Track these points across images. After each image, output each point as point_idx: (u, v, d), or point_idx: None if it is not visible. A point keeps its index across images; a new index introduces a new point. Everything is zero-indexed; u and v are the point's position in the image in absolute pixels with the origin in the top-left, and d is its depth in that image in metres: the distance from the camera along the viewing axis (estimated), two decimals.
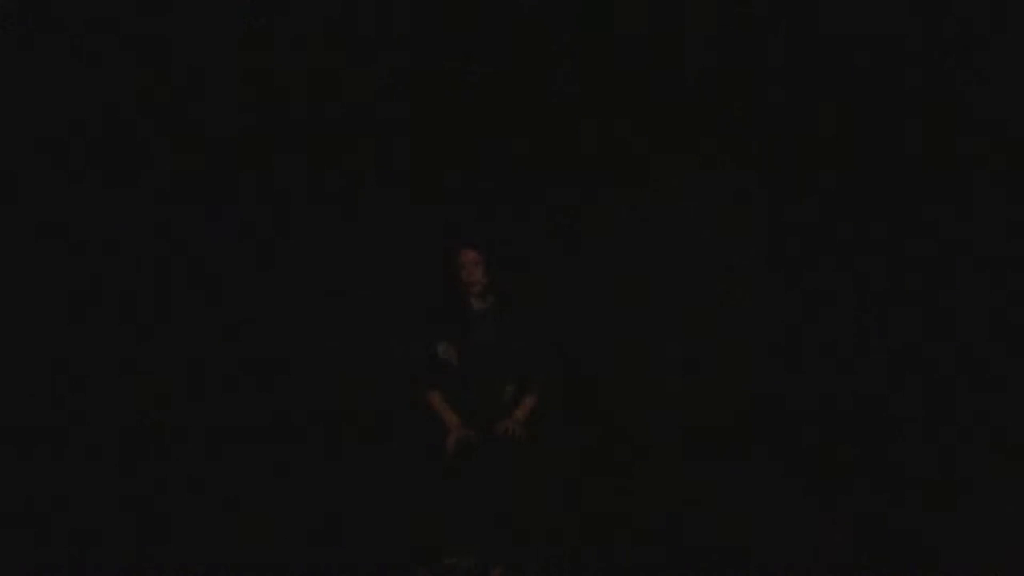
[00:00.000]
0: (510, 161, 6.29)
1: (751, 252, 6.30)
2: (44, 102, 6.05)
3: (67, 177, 6.06)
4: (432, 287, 5.63)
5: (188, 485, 5.93)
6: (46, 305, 6.00)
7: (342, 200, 6.28)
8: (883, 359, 6.08)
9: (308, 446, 6.10)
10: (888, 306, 6.10)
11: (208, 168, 6.19)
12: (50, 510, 5.78)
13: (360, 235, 6.27)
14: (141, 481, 5.93)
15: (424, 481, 5.19)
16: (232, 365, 6.14)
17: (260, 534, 5.72)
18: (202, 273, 6.16)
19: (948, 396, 5.95)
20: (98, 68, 6.08)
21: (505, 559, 5.09)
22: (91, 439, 5.96)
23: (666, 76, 6.26)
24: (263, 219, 6.23)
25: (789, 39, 6.18)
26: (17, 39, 6.02)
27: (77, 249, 6.05)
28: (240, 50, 6.19)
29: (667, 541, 5.57)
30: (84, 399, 5.99)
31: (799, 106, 6.19)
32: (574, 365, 6.13)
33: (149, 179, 6.15)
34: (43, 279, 6.01)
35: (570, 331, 6.15)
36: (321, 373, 6.19)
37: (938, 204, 6.06)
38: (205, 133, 6.18)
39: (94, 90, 6.08)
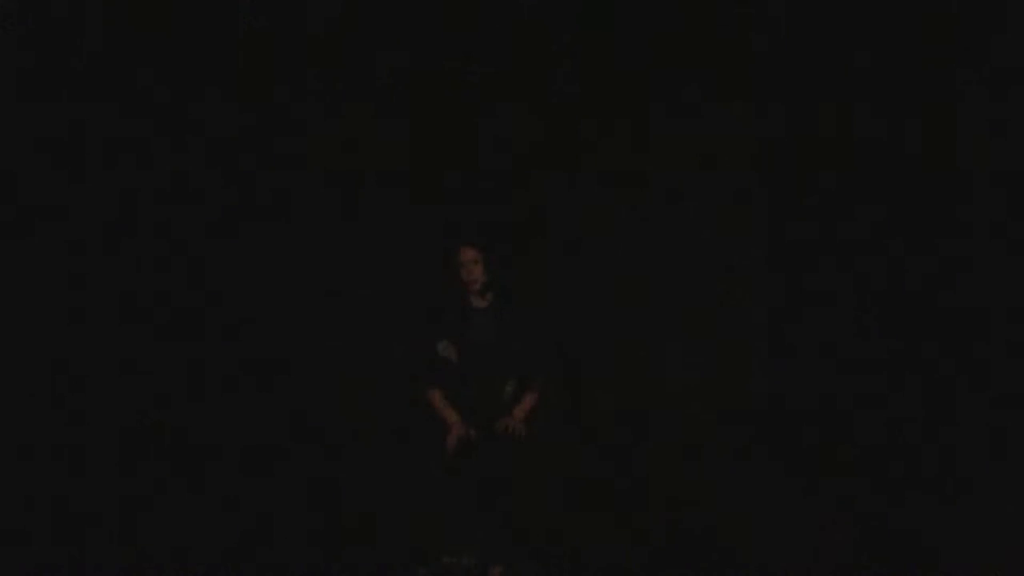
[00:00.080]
0: (510, 161, 6.29)
1: (751, 252, 6.30)
2: (44, 102, 6.05)
3: (67, 177, 6.06)
4: (432, 286, 5.63)
5: (188, 485, 5.93)
6: (46, 305, 6.00)
7: (342, 200, 6.28)
8: (883, 359, 6.07)
9: (308, 446, 6.10)
10: (888, 306, 6.10)
11: (208, 168, 6.19)
12: (50, 510, 5.78)
13: (360, 235, 6.27)
14: (141, 481, 5.92)
15: (424, 480, 5.19)
16: (232, 365, 6.14)
17: (260, 534, 5.72)
18: (202, 273, 6.16)
19: (948, 396, 5.95)
20: (98, 68, 6.08)
21: (505, 558, 5.09)
22: (91, 439, 5.96)
23: (666, 76, 6.26)
24: (263, 219, 6.23)
25: (789, 39, 6.18)
26: (17, 39, 6.02)
27: (77, 249, 6.05)
28: (240, 49, 6.19)
29: (667, 541, 5.57)
30: (84, 399, 5.99)
31: (799, 106, 6.19)
32: (574, 365, 6.13)
33: (149, 179, 6.15)
34: (43, 279, 6.00)
35: (570, 331, 6.15)
36: (321, 373, 6.19)
37: (938, 204, 6.05)
38: (205, 133, 6.18)
39: (94, 90, 6.08)
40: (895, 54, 6.09)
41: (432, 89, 6.28)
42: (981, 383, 5.92)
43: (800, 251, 6.21)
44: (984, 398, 5.91)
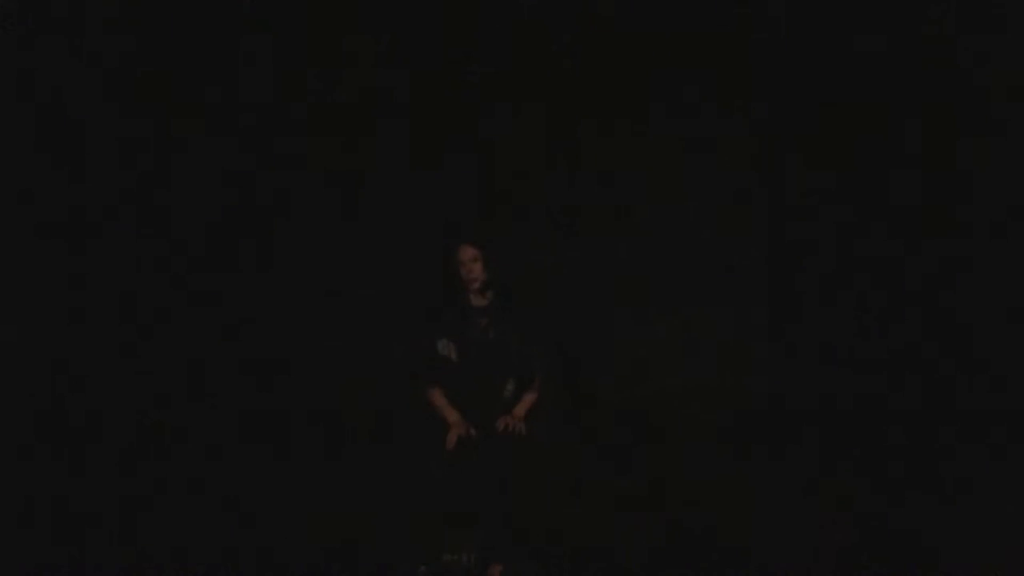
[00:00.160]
0: (510, 160, 6.29)
1: (751, 252, 6.30)
2: (44, 102, 6.05)
3: (67, 177, 6.06)
4: (432, 284, 5.63)
5: (188, 485, 5.92)
6: (46, 305, 6.00)
7: (342, 199, 6.29)
8: (883, 359, 6.07)
9: (308, 446, 6.10)
10: (888, 306, 6.10)
11: (208, 168, 6.18)
12: (50, 510, 5.78)
13: (360, 235, 6.27)
14: (141, 481, 5.92)
15: (424, 478, 5.19)
16: (232, 365, 6.14)
17: (260, 534, 5.71)
18: (202, 273, 6.15)
19: (948, 396, 5.95)
20: (98, 68, 6.08)
21: (505, 556, 5.09)
22: (91, 439, 5.95)
23: (666, 76, 6.26)
24: (263, 218, 6.23)
25: (789, 38, 6.18)
26: (17, 39, 6.02)
27: (77, 249, 6.05)
28: (239, 50, 6.19)
29: (667, 541, 5.57)
30: (84, 399, 5.99)
31: (799, 106, 6.19)
32: (574, 365, 6.13)
33: (149, 179, 6.15)
34: (43, 279, 6.00)
35: (570, 331, 6.15)
36: (321, 373, 6.19)
37: (938, 204, 6.05)
38: (205, 133, 6.18)
39: (94, 90, 6.08)
40: (895, 54, 6.09)
41: (432, 89, 6.28)
42: (981, 383, 5.92)
43: (800, 251, 6.21)
44: (984, 398, 5.91)
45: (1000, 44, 5.97)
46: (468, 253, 5.30)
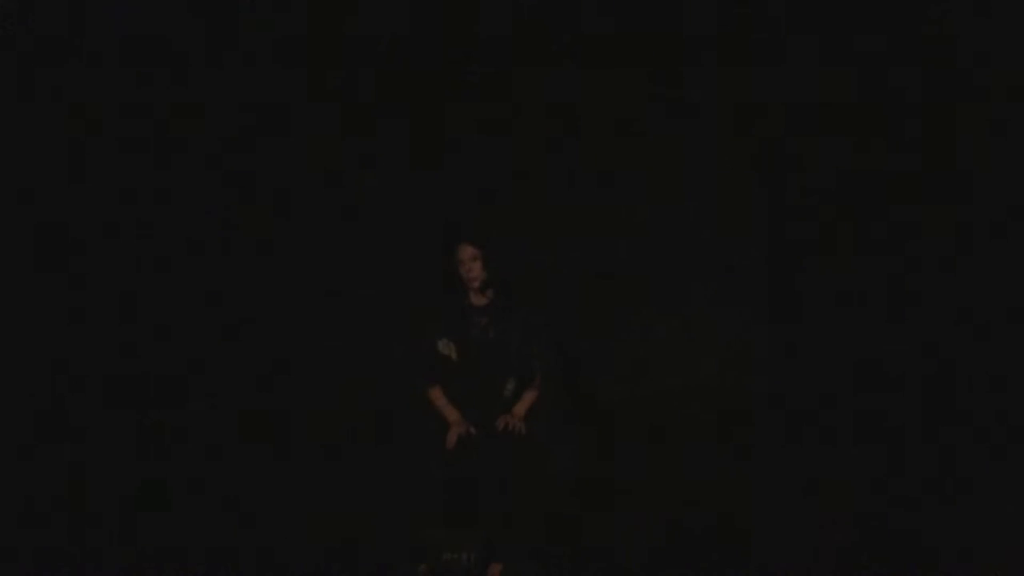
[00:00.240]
0: (510, 160, 6.30)
1: (751, 252, 6.30)
2: (44, 102, 6.05)
3: (67, 177, 6.06)
4: (432, 284, 5.63)
5: (188, 485, 5.92)
6: (46, 305, 6.00)
7: (342, 199, 6.29)
8: (883, 359, 6.07)
9: (308, 446, 6.10)
10: (889, 306, 6.10)
11: (208, 168, 6.19)
12: (50, 510, 5.78)
13: (360, 235, 6.27)
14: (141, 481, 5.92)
15: (424, 478, 5.18)
16: (232, 365, 6.14)
17: (260, 534, 5.71)
18: (202, 273, 6.16)
19: (948, 395, 5.95)
20: (97, 67, 6.08)
21: (505, 556, 5.08)
22: (91, 438, 5.95)
23: (666, 76, 6.26)
24: (263, 219, 6.23)
25: (789, 38, 6.18)
26: (17, 39, 6.03)
27: (77, 249, 6.05)
28: (239, 50, 6.20)
29: (667, 540, 5.56)
30: (84, 399, 5.99)
31: (799, 106, 6.19)
32: (574, 364, 6.13)
33: (149, 179, 6.15)
34: (43, 279, 6.00)
35: (570, 331, 6.15)
36: (321, 373, 6.19)
37: (938, 204, 6.05)
38: (205, 133, 6.18)
39: (93, 90, 6.08)
40: (895, 54, 6.09)
41: (432, 89, 6.28)
42: (981, 383, 5.92)
43: (800, 251, 6.22)
44: (984, 398, 5.91)
45: (1000, 44, 5.97)
46: (468, 252, 5.30)
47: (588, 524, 5.65)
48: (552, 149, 6.32)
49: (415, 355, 5.41)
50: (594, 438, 6.06)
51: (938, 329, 6.03)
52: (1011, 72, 5.96)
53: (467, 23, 6.24)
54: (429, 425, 5.29)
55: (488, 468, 5.09)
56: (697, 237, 6.31)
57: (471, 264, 5.29)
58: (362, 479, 5.93)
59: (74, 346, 6.01)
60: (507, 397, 5.31)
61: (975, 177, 6.03)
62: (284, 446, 6.09)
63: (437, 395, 5.33)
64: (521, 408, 5.28)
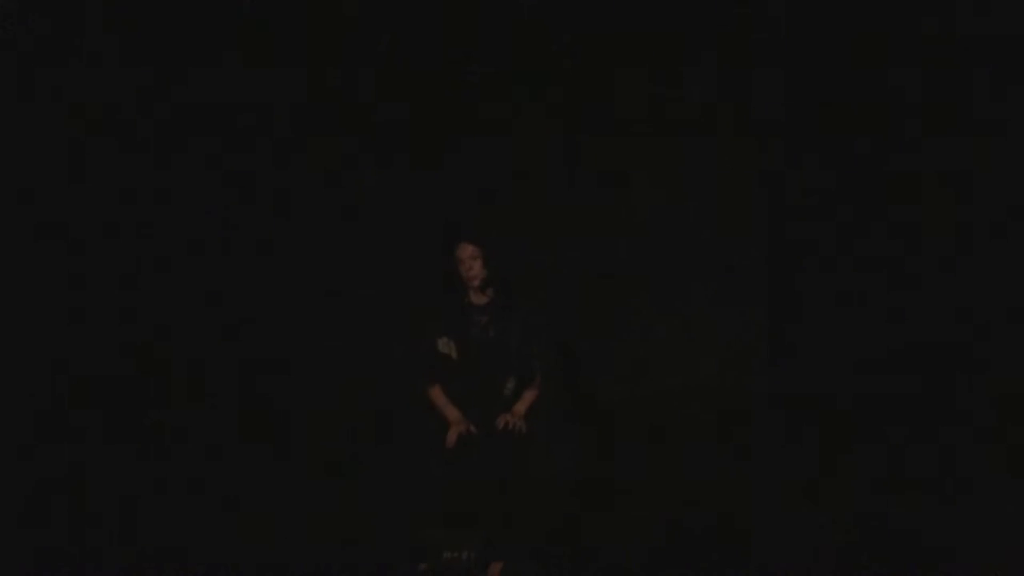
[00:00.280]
0: (510, 160, 6.30)
1: (751, 252, 6.30)
2: (44, 102, 6.05)
3: (67, 177, 6.06)
4: (432, 282, 5.63)
5: (188, 485, 5.92)
6: (46, 305, 6.00)
7: (342, 199, 6.29)
8: (883, 359, 6.07)
9: (308, 446, 6.09)
10: (888, 306, 6.10)
11: (207, 168, 6.19)
12: (50, 510, 5.78)
13: (360, 235, 6.27)
14: (141, 481, 5.92)
15: (424, 477, 5.18)
16: (232, 365, 6.14)
17: (260, 534, 5.71)
18: (202, 273, 6.15)
19: (948, 394, 5.95)
20: (98, 68, 6.08)
21: (504, 555, 5.08)
22: (90, 438, 5.95)
23: (666, 76, 6.26)
24: (263, 219, 6.23)
25: (789, 37, 6.18)
26: (17, 39, 6.03)
27: (77, 249, 6.05)
28: (239, 50, 6.19)
29: (667, 540, 5.56)
30: (84, 399, 5.99)
31: (799, 105, 6.19)
32: (574, 364, 6.13)
33: (149, 179, 6.15)
34: (43, 279, 6.00)
35: (570, 331, 6.15)
36: (321, 373, 6.19)
37: (938, 203, 6.05)
38: (205, 133, 6.18)
39: (93, 90, 6.08)
40: (895, 54, 6.09)
41: (432, 88, 6.28)
42: (981, 381, 5.92)
43: (800, 251, 6.21)
44: (984, 398, 5.91)
45: (1000, 43, 5.97)
46: (468, 251, 5.30)
47: (588, 524, 5.65)
48: (552, 149, 6.32)
49: (415, 354, 5.41)
50: (594, 438, 6.06)
51: (938, 329, 6.02)
52: (1011, 72, 5.96)
53: (467, 23, 6.24)
54: (429, 424, 5.30)
55: (488, 467, 5.09)
56: (697, 237, 6.31)
57: (471, 263, 5.29)
58: (362, 479, 5.93)
59: (74, 346, 6.01)
60: (507, 396, 5.31)
61: (975, 177, 6.02)
62: (284, 446, 6.09)
63: (437, 394, 5.33)
64: (521, 407, 5.27)
